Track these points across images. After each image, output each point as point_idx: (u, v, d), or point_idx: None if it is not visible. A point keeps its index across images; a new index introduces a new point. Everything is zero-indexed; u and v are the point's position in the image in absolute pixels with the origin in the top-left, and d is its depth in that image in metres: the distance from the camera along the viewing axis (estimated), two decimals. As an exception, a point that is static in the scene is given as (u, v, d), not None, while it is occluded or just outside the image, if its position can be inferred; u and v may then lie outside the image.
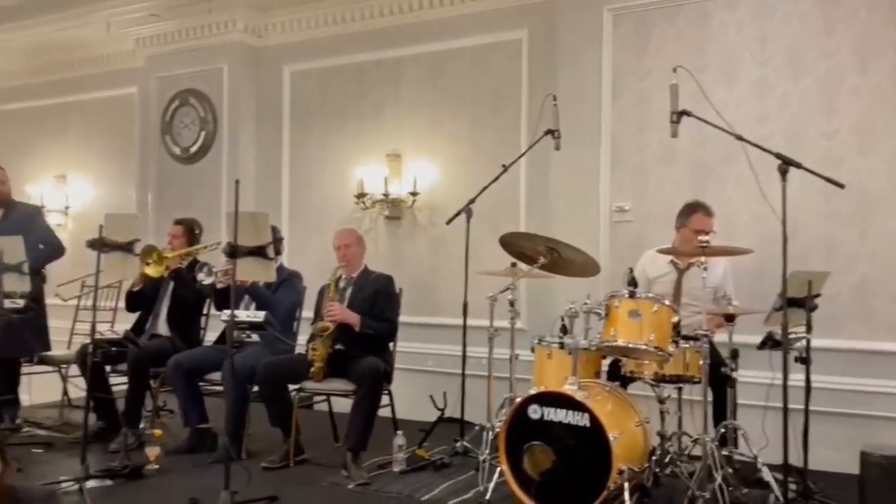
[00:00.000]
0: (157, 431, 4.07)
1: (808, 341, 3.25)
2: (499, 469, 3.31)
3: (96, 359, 3.96)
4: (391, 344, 4.28)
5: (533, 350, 3.72)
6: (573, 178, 4.67)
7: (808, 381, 3.23)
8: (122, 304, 4.88)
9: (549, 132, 4.03)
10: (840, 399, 3.95)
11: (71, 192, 7.21)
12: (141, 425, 4.35)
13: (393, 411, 4.24)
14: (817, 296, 3.32)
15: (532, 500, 3.12)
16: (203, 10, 6.00)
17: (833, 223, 4.07)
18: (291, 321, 4.48)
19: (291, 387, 4.08)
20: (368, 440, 3.87)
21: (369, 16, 5.65)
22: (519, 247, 3.94)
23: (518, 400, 3.27)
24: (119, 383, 4.50)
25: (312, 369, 3.97)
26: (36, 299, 4.46)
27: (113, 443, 4.17)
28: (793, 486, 3.16)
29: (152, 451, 3.86)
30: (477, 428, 4.04)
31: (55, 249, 4.87)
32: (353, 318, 4.01)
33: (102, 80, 7.07)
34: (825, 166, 3.38)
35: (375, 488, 3.62)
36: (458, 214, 4.11)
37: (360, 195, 5.49)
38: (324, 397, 4.44)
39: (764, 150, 3.19)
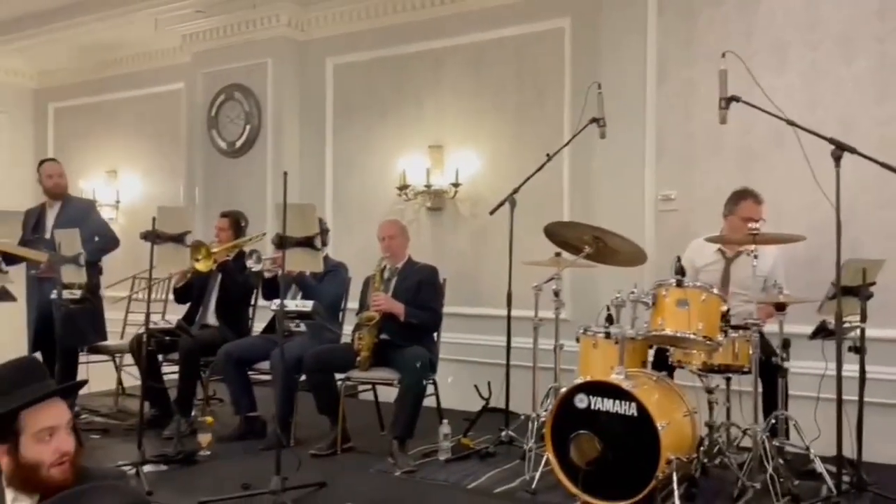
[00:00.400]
0: (209, 419, 4.18)
1: (863, 331, 3.17)
2: (545, 458, 3.31)
3: (150, 348, 4.07)
4: (435, 334, 4.31)
5: (578, 340, 3.71)
6: (618, 167, 4.63)
7: (862, 371, 3.16)
8: (171, 296, 5.01)
9: (594, 121, 4.00)
10: (896, 390, 3.86)
11: (121, 187, 7.40)
12: (193, 413, 4.47)
13: (438, 400, 4.27)
14: (872, 284, 3.24)
15: (579, 489, 3.12)
16: (247, 5, 6.10)
17: (888, 210, 3.96)
18: (337, 310, 4.55)
19: (338, 376, 4.14)
20: (414, 428, 3.91)
21: (410, 7, 5.67)
22: (563, 236, 3.93)
23: (565, 389, 3.27)
24: (170, 372, 4.63)
25: (358, 358, 4.03)
26: (93, 290, 4.59)
27: (166, 430, 4.31)
28: (846, 478, 3.09)
29: (204, 438, 3.97)
30: (522, 417, 4.05)
31: (110, 241, 4.99)
32: (398, 308, 4.05)
33: (150, 76, 7.23)
34: (879, 152, 3.28)
35: (422, 476, 3.66)
36: (501, 204, 4.11)
37: (403, 187, 5.52)
38: (369, 386, 4.51)
39: (818, 135, 3.13)
